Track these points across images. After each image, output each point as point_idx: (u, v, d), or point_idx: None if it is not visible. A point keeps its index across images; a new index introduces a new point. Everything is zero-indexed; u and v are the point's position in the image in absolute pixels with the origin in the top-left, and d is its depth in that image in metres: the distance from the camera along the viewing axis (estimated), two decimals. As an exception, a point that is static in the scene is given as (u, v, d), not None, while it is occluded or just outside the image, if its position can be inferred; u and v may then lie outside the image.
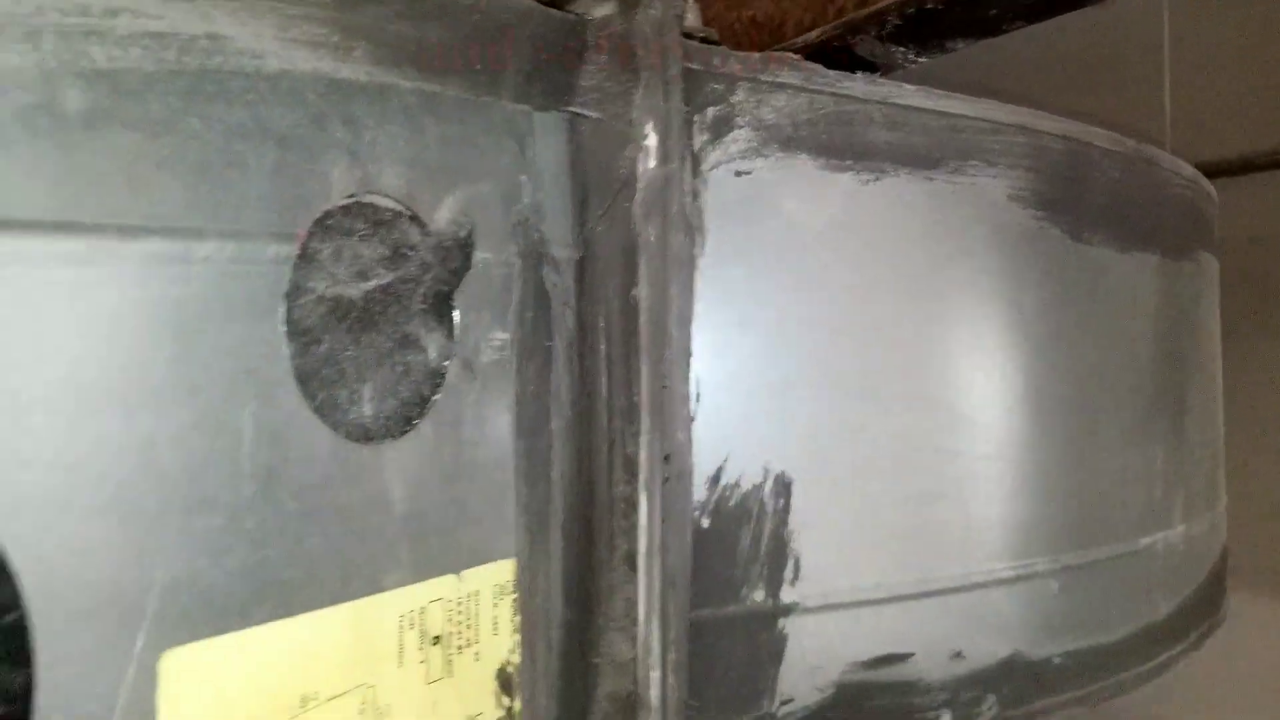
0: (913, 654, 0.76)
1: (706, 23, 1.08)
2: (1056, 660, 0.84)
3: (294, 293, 0.42)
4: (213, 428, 0.38)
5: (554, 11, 0.58)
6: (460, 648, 0.52)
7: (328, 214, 0.43)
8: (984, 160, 0.79)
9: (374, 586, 0.46)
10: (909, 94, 0.74)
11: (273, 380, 0.41)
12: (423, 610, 0.49)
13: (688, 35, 0.94)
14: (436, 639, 0.50)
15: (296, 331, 0.42)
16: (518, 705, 0.55)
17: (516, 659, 0.56)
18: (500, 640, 0.54)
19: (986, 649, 0.80)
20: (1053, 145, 0.84)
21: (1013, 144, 0.80)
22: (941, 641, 0.78)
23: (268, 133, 0.40)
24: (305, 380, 0.43)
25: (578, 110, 0.59)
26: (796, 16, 0.94)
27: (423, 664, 0.49)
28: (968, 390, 0.78)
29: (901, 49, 0.73)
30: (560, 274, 0.59)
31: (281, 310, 0.41)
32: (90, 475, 0.34)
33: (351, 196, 0.45)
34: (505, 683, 0.55)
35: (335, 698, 0.44)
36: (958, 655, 0.79)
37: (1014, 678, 0.80)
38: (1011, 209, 0.80)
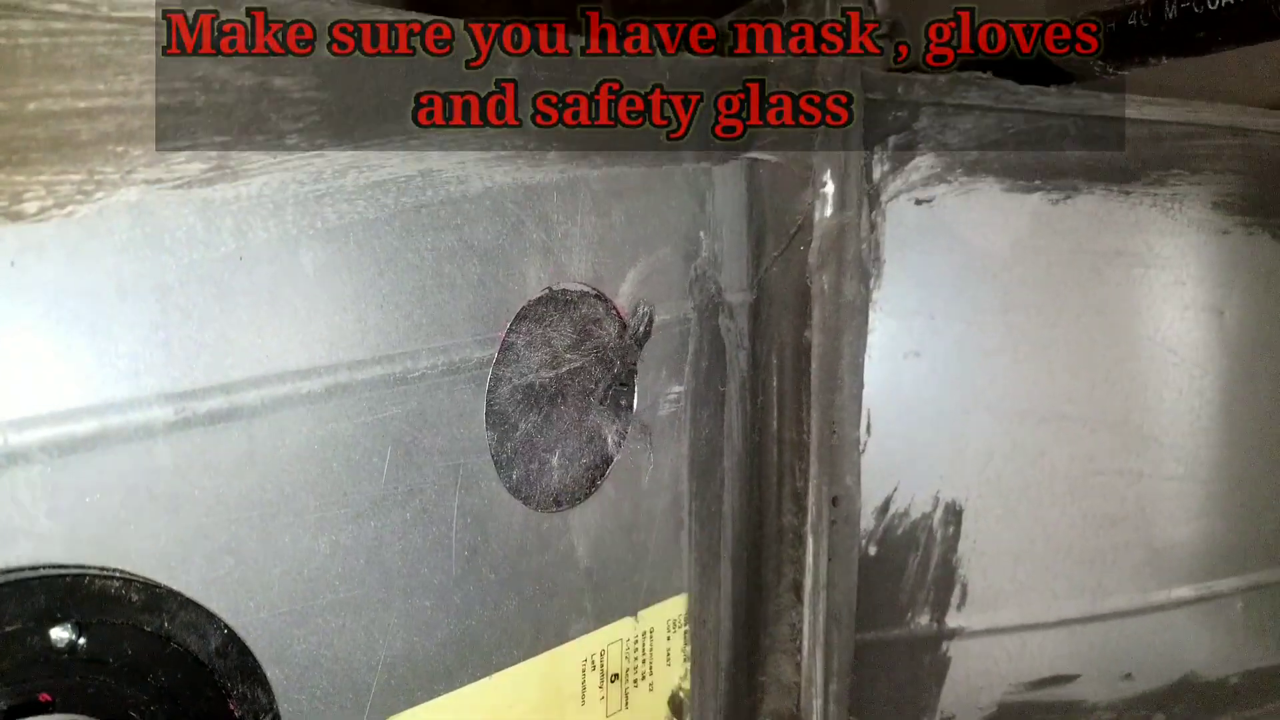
0: (1079, 675, 0.76)
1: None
2: (1234, 680, 0.82)
3: (494, 388, 0.46)
4: (426, 521, 0.43)
5: (735, 60, 0.58)
6: (636, 681, 0.56)
7: (525, 308, 0.47)
8: (1187, 168, 0.74)
9: (561, 638, 0.51)
10: (1108, 104, 0.70)
11: (476, 470, 0.46)
12: (603, 653, 0.54)
13: (874, 25, 0.91)
14: (615, 676, 0.55)
15: (496, 423, 0.47)
16: (688, 726, 0.60)
17: (687, 685, 0.60)
18: (672, 670, 0.59)
19: (1159, 670, 0.79)
20: (1266, 144, 0.78)
21: (1221, 147, 0.75)
22: (1111, 663, 0.77)
23: (472, 250, 0.44)
24: (502, 464, 0.47)
25: (756, 155, 0.60)
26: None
27: (603, 700, 0.54)
28: (1155, 409, 0.75)
29: (1100, 62, 0.69)
30: (734, 318, 0.61)
31: (484, 406, 0.46)
32: (328, 579, 0.40)
33: (546, 289, 0.48)
34: (677, 707, 0.60)
35: (528, 739, 0.50)
36: (1127, 677, 0.78)
37: (1185, 698, 0.80)
38: (1215, 216, 0.76)
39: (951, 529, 0.71)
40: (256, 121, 0.36)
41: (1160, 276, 0.75)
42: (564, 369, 0.50)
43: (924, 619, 0.71)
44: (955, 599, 0.72)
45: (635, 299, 0.53)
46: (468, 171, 0.44)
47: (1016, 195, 0.69)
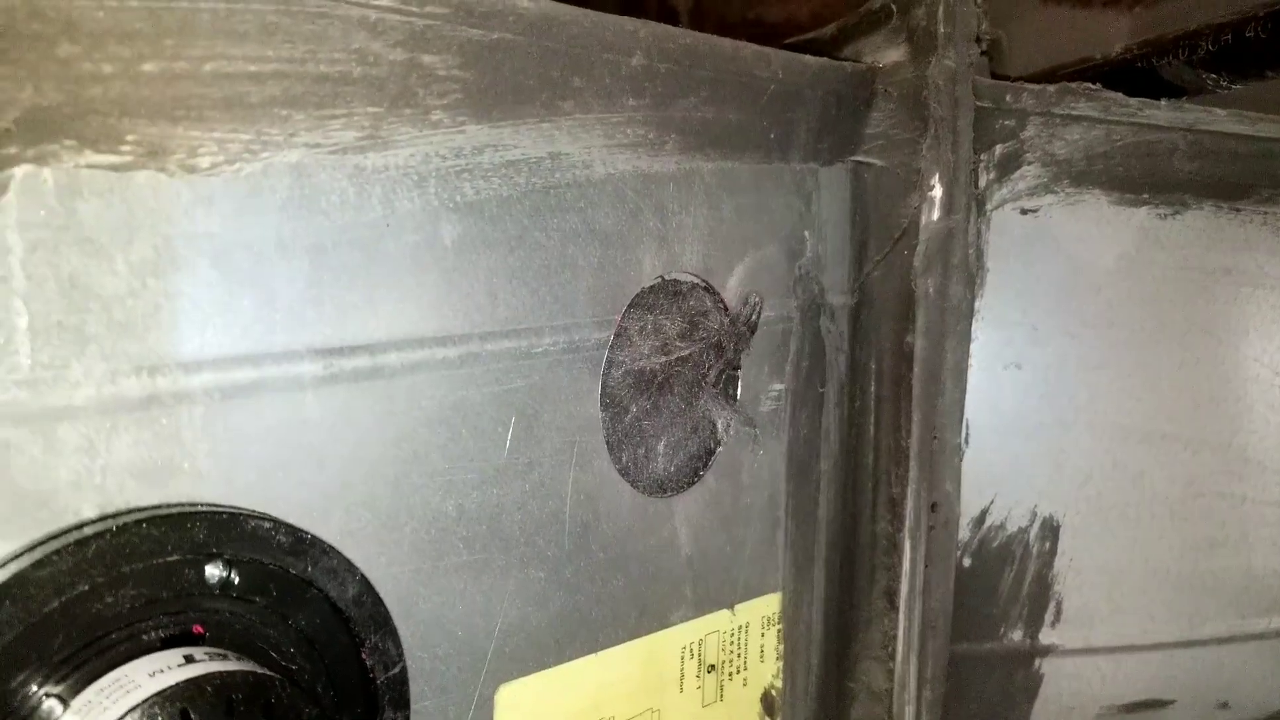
0: (1174, 701, 0.74)
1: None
2: (1339, 718, 0.79)
3: (609, 370, 0.47)
4: (544, 494, 0.44)
5: (845, 64, 0.59)
6: (731, 675, 0.56)
7: (639, 295, 0.48)
8: (1301, 186, 0.73)
9: (662, 623, 0.52)
10: (1220, 119, 0.69)
11: (590, 449, 0.46)
12: (701, 642, 0.54)
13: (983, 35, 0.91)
14: (712, 667, 0.55)
15: (609, 404, 0.47)
16: (779, 726, 0.60)
17: (779, 684, 0.60)
18: (766, 667, 0.59)
19: (1257, 701, 0.76)
20: (1388, 163, 0.76)
21: (1338, 166, 0.74)
22: (1207, 691, 0.75)
23: (594, 233, 0.45)
24: (614, 446, 0.48)
25: (862, 159, 0.61)
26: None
27: (699, 690, 0.54)
28: (1261, 433, 0.74)
29: (1213, 75, 0.68)
30: (835, 321, 0.62)
31: (599, 386, 0.47)
32: (454, 541, 0.41)
33: (659, 277, 0.49)
34: (769, 705, 0.60)
35: (628, 721, 0.50)
36: (1223, 706, 0.76)
37: (1285, 731, 0.77)
38: (1330, 237, 0.74)
39: (1048, 545, 0.70)
40: (405, 95, 0.37)
41: (1270, 297, 0.73)
42: (673, 356, 0.50)
43: (1017, 634, 0.70)
44: (1050, 616, 0.70)
45: (744, 291, 0.53)
46: (592, 157, 0.45)
47: (1124, 209, 0.68)
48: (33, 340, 0.29)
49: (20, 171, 0.29)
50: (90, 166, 0.30)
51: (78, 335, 0.31)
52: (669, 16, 1.10)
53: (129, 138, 0.31)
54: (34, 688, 0.29)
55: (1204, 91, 0.71)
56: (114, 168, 0.31)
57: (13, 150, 0.29)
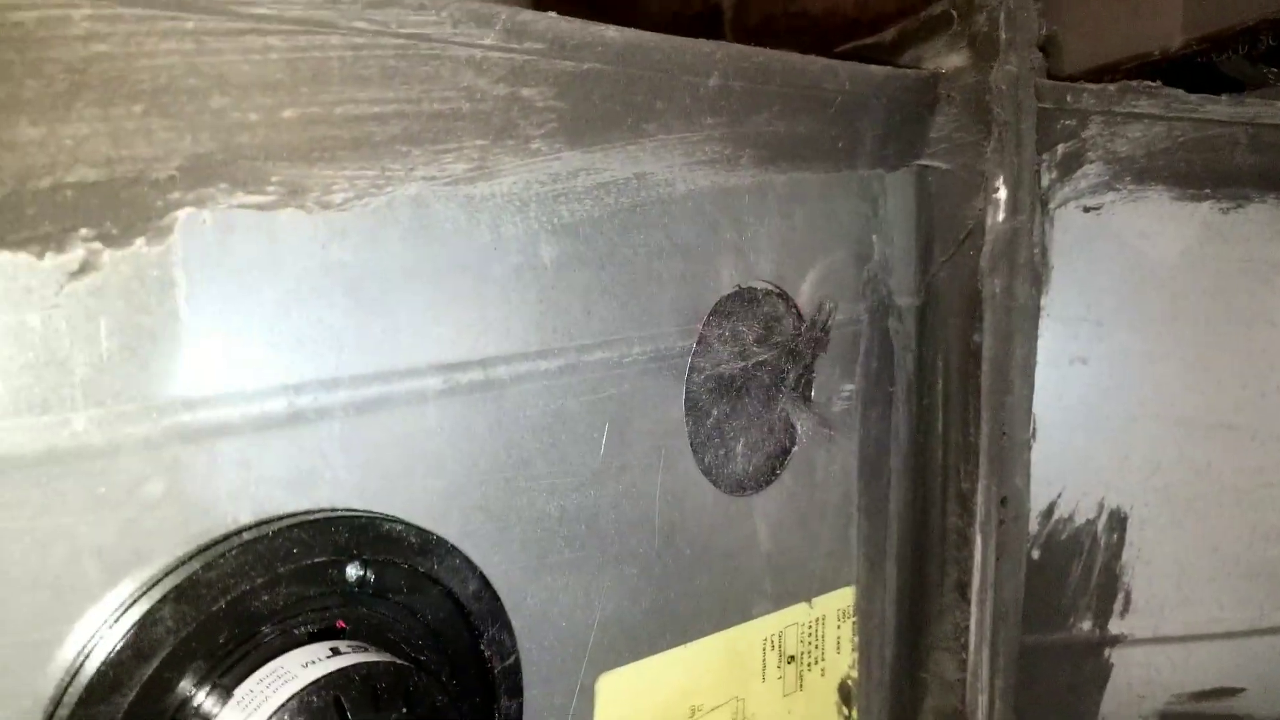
0: (1244, 689, 0.75)
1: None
2: None
3: (692, 376, 0.50)
4: (635, 495, 0.47)
5: (908, 71, 0.61)
6: (810, 665, 0.59)
7: (718, 304, 0.51)
8: (1364, 177, 0.73)
9: (744, 616, 0.54)
10: (1280, 112, 0.69)
11: (676, 451, 0.49)
12: (781, 634, 0.57)
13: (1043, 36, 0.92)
14: (791, 658, 0.57)
15: (692, 408, 0.50)
16: (855, 715, 0.62)
17: (855, 674, 0.62)
18: (842, 658, 0.61)
19: (1330, 689, 0.77)
20: None
21: (1402, 155, 0.74)
22: (1278, 678, 0.76)
23: (677, 247, 0.48)
24: (697, 448, 0.51)
25: (926, 163, 0.62)
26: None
27: (780, 679, 0.57)
28: (1331, 423, 0.74)
29: (1274, 69, 0.69)
30: (902, 321, 0.63)
31: (683, 392, 0.49)
32: (557, 540, 0.44)
33: (736, 286, 0.52)
34: (845, 695, 0.62)
35: (715, 709, 0.53)
36: (1295, 693, 0.77)
37: (1359, 719, 0.77)
38: (1395, 226, 0.74)
39: (1116, 536, 0.71)
40: (509, 127, 0.40)
41: (1334, 288, 0.73)
42: (751, 361, 0.53)
43: (1086, 624, 0.71)
44: (1118, 606, 0.71)
45: (818, 297, 0.55)
46: (674, 175, 0.47)
47: (1186, 204, 0.69)
48: (197, 366, 0.33)
49: (183, 214, 0.32)
50: (241, 207, 0.33)
51: (232, 360, 0.34)
52: (713, 11, 1.11)
53: (273, 179, 0.34)
54: (202, 678, 0.32)
55: (1264, 85, 0.72)
56: (260, 207, 0.34)
57: (176, 195, 0.32)
